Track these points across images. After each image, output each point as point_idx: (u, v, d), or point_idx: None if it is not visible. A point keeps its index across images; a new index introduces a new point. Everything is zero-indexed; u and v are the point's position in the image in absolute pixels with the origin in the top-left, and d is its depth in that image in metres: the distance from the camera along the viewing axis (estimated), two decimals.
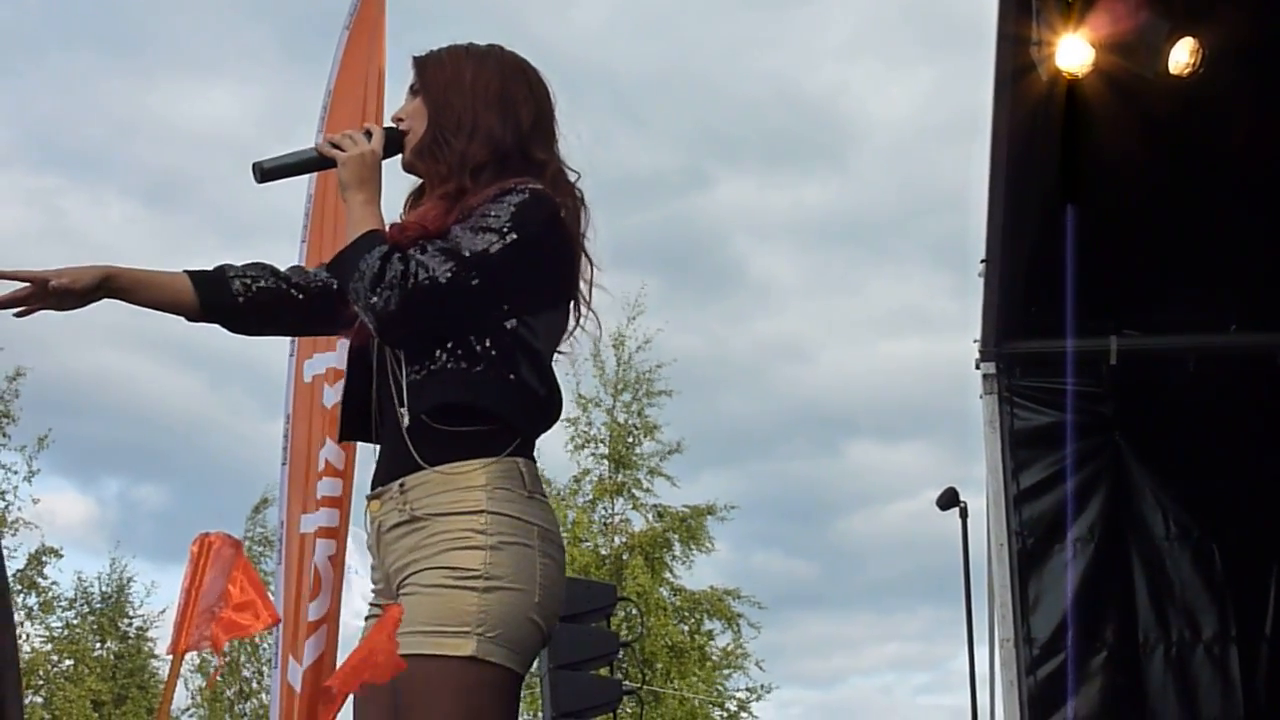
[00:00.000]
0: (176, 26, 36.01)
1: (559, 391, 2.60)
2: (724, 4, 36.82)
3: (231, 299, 2.68)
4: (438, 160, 2.62)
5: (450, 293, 2.42)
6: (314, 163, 2.68)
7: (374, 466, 2.62)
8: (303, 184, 5.51)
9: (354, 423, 2.67)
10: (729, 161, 35.87)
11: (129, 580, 26.09)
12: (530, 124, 2.64)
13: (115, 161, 34.98)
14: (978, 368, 7.05)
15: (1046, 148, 5.72)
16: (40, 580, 24.00)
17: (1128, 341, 6.95)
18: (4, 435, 22.48)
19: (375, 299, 2.41)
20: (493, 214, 2.48)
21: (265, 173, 2.63)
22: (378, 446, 2.64)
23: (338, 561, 5.24)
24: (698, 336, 32.13)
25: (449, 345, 2.47)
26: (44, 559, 23.64)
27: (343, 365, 5.05)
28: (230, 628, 5.94)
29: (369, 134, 2.64)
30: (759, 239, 35.60)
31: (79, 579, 25.70)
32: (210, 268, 2.72)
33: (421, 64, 2.70)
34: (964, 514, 7.19)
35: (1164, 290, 6.83)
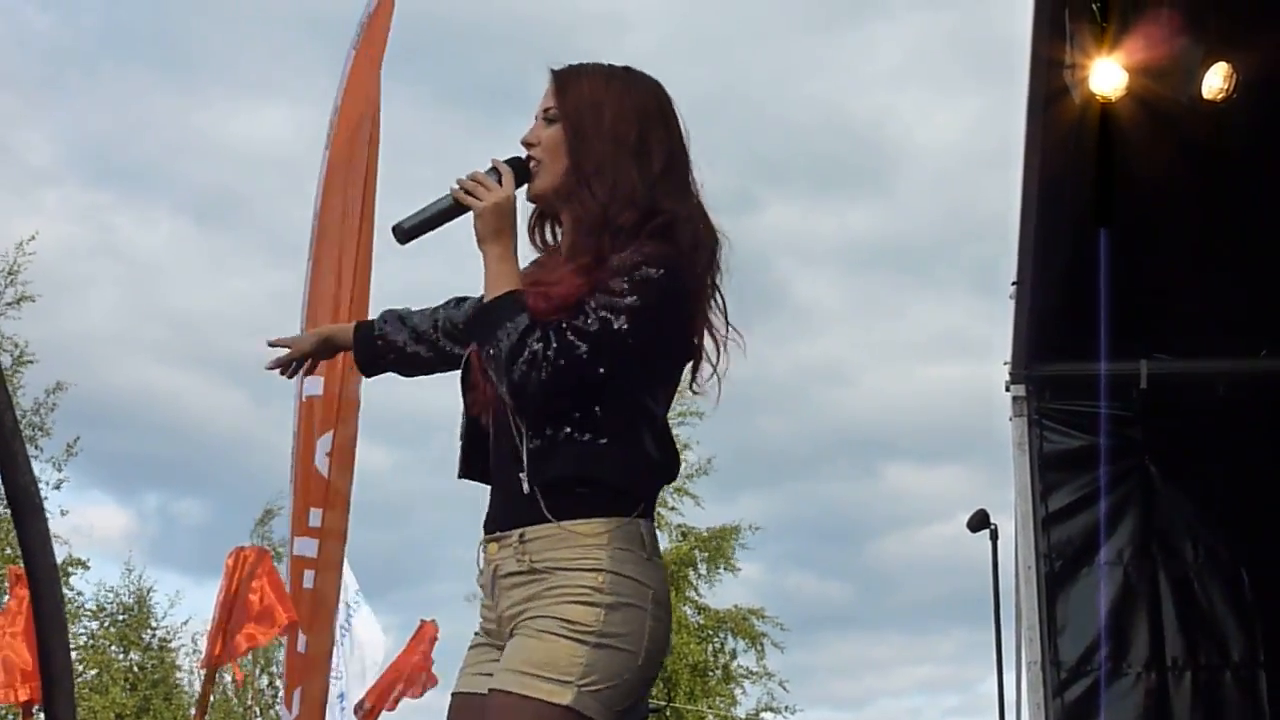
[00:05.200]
0: (228, 46, 36.34)
1: (676, 453, 2.58)
2: (774, 30, 37.03)
3: (377, 365, 2.94)
4: (579, 206, 2.53)
5: (585, 377, 2.40)
6: (451, 212, 2.60)
7: (488, 503, 2.59)
8: (309, 202, 5.46)
9: (472, 463, 2.64)
10: (776, 185, 36.07)
11: (148, 590, 26.18)
12: (661, 170, 2.54)
13: (166, 179, 35.25)
14: (1007, 390, 7.05)
15: (1079, 171, 5.73)
16: (66, 590, 24.06)
17: (1158, 365, 6.93)
18: (37, 448, 22.46)
19: (513, 374, 2.40)
20: (625, 291, 2.42)
21: (406, 232, 2.61)
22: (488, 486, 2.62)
23: (318, 594, 5.14)
24: (738, 357, 32.05)
25: (575, 416, 2.44)
26: (70, 570, 23.69)
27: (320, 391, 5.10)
28: (249, 640, 6.13)
29: (497, 173, 2.56)
30: (803, 262, 35.77)
31: (99, 588, 25.83)
32: (374, 320, 2.96)
33: (561, 87, 2.60)
34: (994, 536, 7.18)
35: (1195, 315, 6.81)
